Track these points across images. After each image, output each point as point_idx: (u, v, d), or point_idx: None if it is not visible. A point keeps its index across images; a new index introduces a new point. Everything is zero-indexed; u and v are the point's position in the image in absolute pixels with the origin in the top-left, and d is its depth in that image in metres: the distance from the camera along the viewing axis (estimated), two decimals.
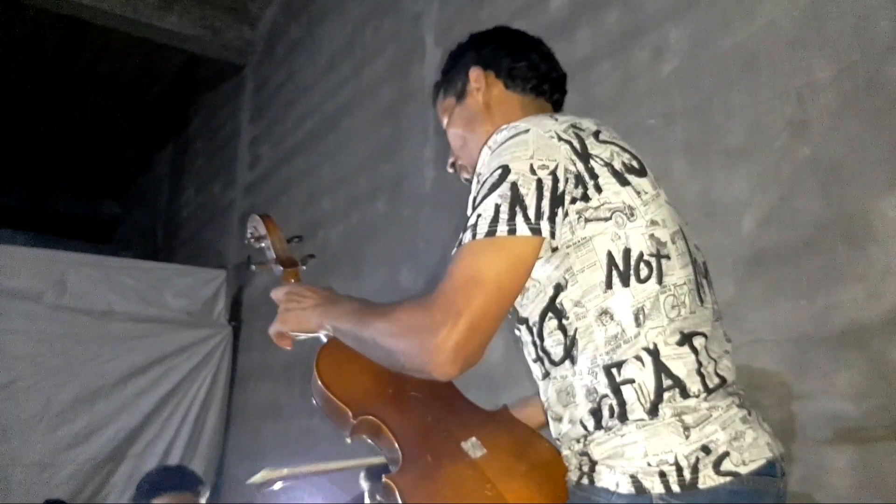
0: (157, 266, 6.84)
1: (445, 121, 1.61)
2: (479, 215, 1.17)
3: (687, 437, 1.11)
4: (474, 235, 1.16)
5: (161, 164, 10.17)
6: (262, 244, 1.79)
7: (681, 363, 1.15)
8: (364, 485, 3.07)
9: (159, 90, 8.36)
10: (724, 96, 2.53)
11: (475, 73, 1.54)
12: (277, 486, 1.68)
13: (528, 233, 1.14)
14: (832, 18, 2.24)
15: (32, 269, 5.65)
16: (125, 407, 5.79)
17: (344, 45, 5.48)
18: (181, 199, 9.05)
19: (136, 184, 11.16)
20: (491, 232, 1.14)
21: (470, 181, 1.33)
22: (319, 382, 1.41)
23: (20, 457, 5.32)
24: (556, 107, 1.58)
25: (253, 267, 1.77)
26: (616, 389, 1.15)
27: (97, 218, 11.91)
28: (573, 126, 1.27)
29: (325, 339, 1.46)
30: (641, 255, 1.19)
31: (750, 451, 1.13)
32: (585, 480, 1.16)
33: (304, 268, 1.69)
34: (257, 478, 1.68)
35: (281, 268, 1.68)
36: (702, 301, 1.24)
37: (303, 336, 1.49)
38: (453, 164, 1.61)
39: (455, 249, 1.20)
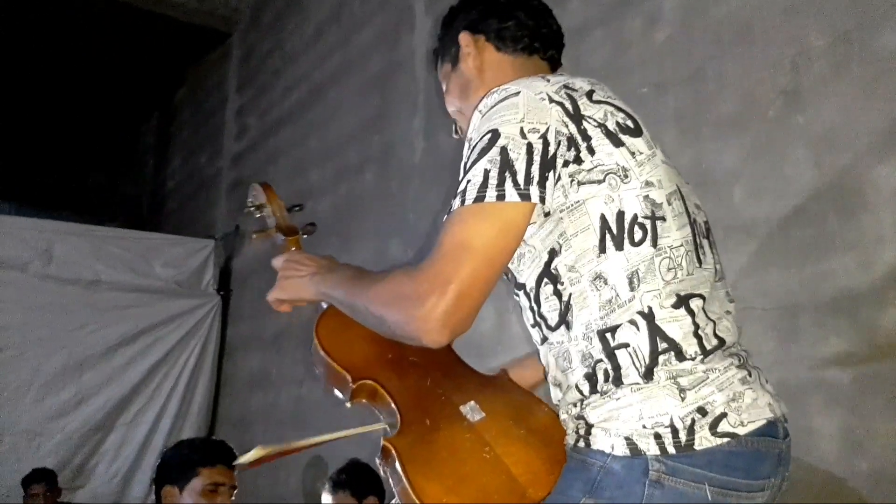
0: (144, 235, 6.80)
1: (445, 87, 1.59)
2: (468, 181, 1.16)
3: (682, 399, 1.10)
4: (463, 202, 1.14)
5: (147, 135, 10.09)
6: (263, 212, 1.77)
7: (676, 326, 1.14)
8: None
9: (145, 59, 8.26)
10: (717, 65, 2.53)
11: (465, 39, 1.51)
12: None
13: (517, 198, 1.13)
14: None
15: (18, 239, 5.61)
16: (114, 376, 5.80)
17: (331, 13, 5.42)
18: (167, 170, 8.99)
19: (121, 154, 11.05)
20: (480, 198, 1.13)
21: None
22: (319, 348, 1.42)
23: (9, 425, 5.34)
24: (553, 63, 1.54)
25: (254, 236, 1.75)
26: (610, 354, 1.14)
27: (82, 188, 11.80)
28: (565, 87, 1.23)
29: (325, 305, 1.47)
30: (635, 217, 1.17)
31: (749, 411, 1.13)
32: (582, 443, 1.16)
33: (304, 237, 1.69)
34: (248, 457, 1.66)
35: (282, 236, 1.67)
36: (700, 262, 1.23)
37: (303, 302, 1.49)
38: (457, 130, 1.59)
39: (445, 216, 1.19)
